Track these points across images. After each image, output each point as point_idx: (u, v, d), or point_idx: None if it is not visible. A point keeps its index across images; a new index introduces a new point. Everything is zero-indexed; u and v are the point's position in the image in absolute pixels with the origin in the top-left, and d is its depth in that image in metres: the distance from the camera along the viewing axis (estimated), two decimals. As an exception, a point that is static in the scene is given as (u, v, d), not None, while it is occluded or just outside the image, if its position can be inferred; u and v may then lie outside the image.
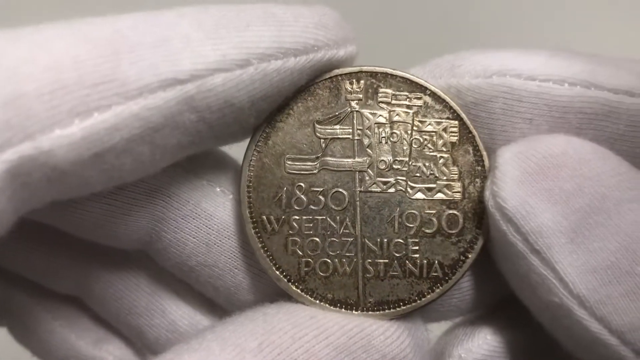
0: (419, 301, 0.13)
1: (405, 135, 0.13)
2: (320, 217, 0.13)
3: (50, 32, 0.11)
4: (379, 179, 0.13)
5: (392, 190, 0.13)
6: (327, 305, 0.13)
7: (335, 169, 0.13)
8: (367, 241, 0.13)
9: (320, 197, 0.13)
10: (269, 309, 0.13)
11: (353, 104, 0.13)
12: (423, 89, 0.13)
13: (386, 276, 0.13)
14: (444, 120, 0.13)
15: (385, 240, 0.13)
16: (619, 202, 0.12)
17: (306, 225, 0.13)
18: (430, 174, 0.13)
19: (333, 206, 0.13)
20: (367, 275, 0.13)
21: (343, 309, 0.13)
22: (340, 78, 0.13)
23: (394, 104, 0.13)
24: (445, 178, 0.13)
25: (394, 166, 0.13)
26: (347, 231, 0.13)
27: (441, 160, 0.13)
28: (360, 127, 0.13)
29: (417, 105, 0.13)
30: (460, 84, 0.13)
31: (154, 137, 0.11)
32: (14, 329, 0.17)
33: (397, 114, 0.13)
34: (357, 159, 0.13)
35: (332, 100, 0.13)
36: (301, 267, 0.13)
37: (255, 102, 0.12)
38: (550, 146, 0.12)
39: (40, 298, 0.16)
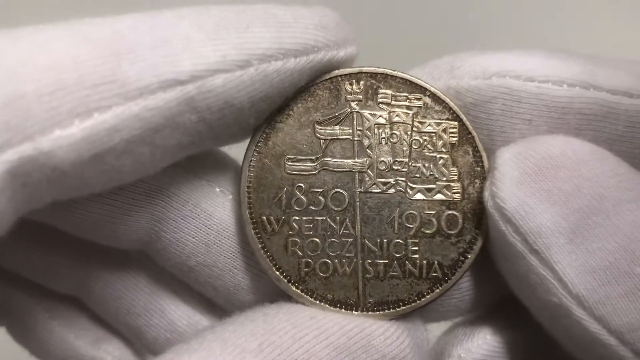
0: (418, 301, 0.13)
1: (405, 136, 0.13)
2: (320, 218, 0.13)
3: (50, 33, 0.11)
4: (378, 179, 0.13)
5: (392, 190, 0.13)
6: (327, 305, 0.13)
7: (335, 169, 0.13)
8: (367, 242, 0.13)
9: (320, 197, 0.13)
10: (269, 310, 0.13)
11: (353, 104, 0.13)
12: (423, 89, 0.13)
13: (386, 276, 0.13)
14: (443, 121, 0.13)
15: (385, 240, 0.13)
16: (618, 203, 0.12)
17: (306, 225, 0.13)
18: (430, 174, 0.13)
19: (333, 207, 0.13)
20: (367, 275, 0.13)
21: (343, 310, 0.13)
22: (340, 79, 0.13)
23: (393, 105, 0.13)
24: (444, 179, 0.13)
25: (394, 167, 0.13)
26: (347, 232, 0.13)
27: (441, 161, 0.13)
28: (360, 128, 0.13)
29: (417, 106, 0.13)
30: (459, 85, 0.13)
31: (154, 138, 0.11)
32: (13, 329, 0.17)
33: (397, 115, 0.13)
34: (357, 160, 0.13)
35: (332, 101, 0.13)
36: (301, 267, 0.13)
37: (255, 102, 0.12)
38: (549, 147, 0.13)
39: (39, 298, 0.16)
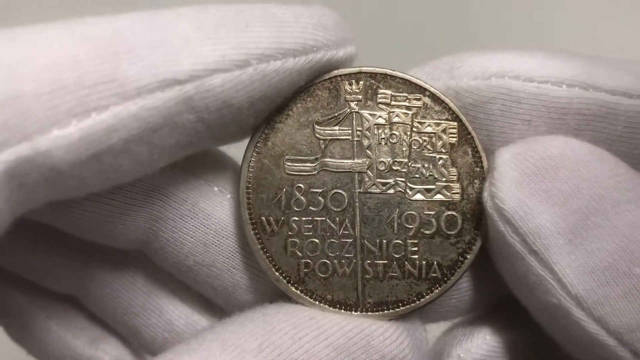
0: (417, 302, 0.13)
1: (405, 137, 0.13)
2: (320, 218, 0.13)
3: (49, 32, 0.11)
4: (378, 180, 0.13)
5: (391, 191, 0.13)
6: (326, 306, 0.13)
7: (334, 170, 0.13)
8: (366, 242, 0.13)
9: (320, 198, 0.13)
10: (269, 310, 0.13)
11: (352, 105, 0.13)
12: (422, 90, 0.13)
13: (385, 277, 0.13)
14: (443, 122, 0.13)
15: (385, 241, 0.13)
16: (617, 203, 0.12)
17: (306, 226, 0.13)
18: (430, 175, 0.13)
19: (332, 207, 0.13)
20: (367, 276, 0.13)
21: (342, 310, 0.13)
22: (339, 79, 0.13)
23: (393, 105, 0.13)
24: (444, 179, 0.13)
25: (394, 167, 0.13)
26: (346, 232, 0.13)
27: (440, 162, 0.13)
28: (360, 128, 0.13)
29: (417, 107, 0.13)
30: (458, 86, 0.13)
31: (152, 138, 0.11)
32: (10, 328, 0.17)
33: (396, 115, 0.13)
34: (356, 160, 0.13)
35: (331, 101, 0.13)
36: (301, 268, 0.13)
37: (254, 102, 0.12)
38: (548, 147, 0.13)
39: (36, 297, 0.16)
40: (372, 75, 0.13)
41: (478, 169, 0.13)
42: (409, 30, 0.31)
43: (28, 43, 0.11)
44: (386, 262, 0.13)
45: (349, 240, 0.13)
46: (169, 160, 0.12)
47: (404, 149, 0.13)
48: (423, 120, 0.13)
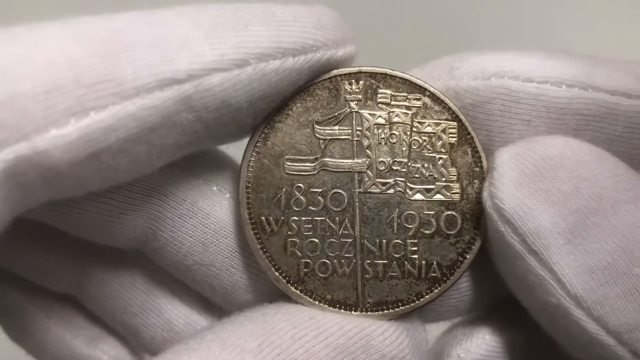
0: (417, 301, 0.13)
1: (405, 137, 0.13)
2: (320, 218, 0.13)
3: (46, 32, 0.11)
4: (378, 180, 0.13)
5: (391, 191, 0.13)
6: (326, 306, 0.13)
7: (334, 169, 0.13)
8: (366, 242, 0.13)
9: (320, 198, 0.13)
10: (268, 310, 0.13)
11: (352, 104, 0.13)
12: (422, 90, 0.13)
13: (385, 277, 0.13)
14: (442, 122, 0.13)
15: (384, 241, 0.13)
16: (616, 203, 0.12)
17: (305, 226, 0.13)
18: (429, 175, 0.13)
19: (332, 207, 0.13)
20: (366, 276, 0.13)
21: (342, 310, 0.13)
22: (339, 78, 0.13)
23: (393, 105, 0.13)
24: (444, 179, 0.13)
25: (393, 167, 0.13)
26: (346, 232, 0.13)
27: (440, 162, 0.13)
28: (360, 128, 0.13)
29: (416, 106, 0.13)
30: (458, 86, 0.13)
31: (151, 137, 0.11)
32: (9, 328, 0.17)
33: (396, 115, 0.13)
34: (356, 160, 0.13)
35: (331, 101, 0.13)
36: (300, 268, 0.13)
37: (253, 102, 0.12)
38: (548, 147, 0.13)
39: (35, 297, 0.16)
40: (372, 75, 0.13)
41: (478, 169, 0.13)
42: (409, 30, 0.31)
43: (25, 42, 0.11)
44: (386, 261, 0.13)
45: (348, 240, 0.13)
46: (168, 159, 0.12)
47: (403, 148, 0.13)
48: (423, 120, 0.13)
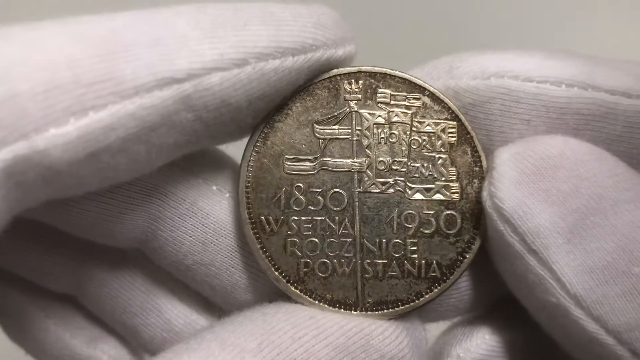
0: (417, 301, 0.13)
1: (404, 136, 0.13)
2: (319, 218, 0.13)
3: (45, 31, 0.11)
4: (377, 179, 0.13)
5: (390, 190, 0.13)
6: (326, 305, 0.13)
7: (334, 169, 0.13)
8: (365, 242, 0.13)
9: (319, 197, 0.13)
10: (268, 309, 0.13)
11: (352, 104, 0.13)
12: (422, 89, 0.13)
13: (385, 276, 0.13)
14: (442, 121, 0.13)
15: (384, 240, 0.13)
16: (616, 203, 0.12)
17: (305, 225, 0.13)
18: (429, 174, 0.13)
19: (332, 207, 0.13)
20: (366, 275, 0.13)
21: (342, 309, 0.13)
22: (339, 78, 0.13)
23: (392, 105, 0.13)
24: (443, 179, 0.13)
25: (393, 167, 0.13)
26: (346, 232, 0.13)
27: (439, 161, 0.13)
28: (359, 128, 0.13)
29: (416, 106, 0.13)
30: (458, 86, 0.13)
31: (150, 137, 0.11)
32: (9, 328, 0.17)
33: (395, 115, 0.13)
34: (356, 160, 0.13)
35: (331, 101, 0.13)
36: (300, 267, 0.13)
37: (252, 101, 0.12)
38: (547, 147, 0.13)
39: (34, 296, 0.16)
40: (372, 74, 0.13)
41: (477, 168, 0.13)
42: (409, 30, 0.31)
43: (24, 42, 0.11)
44: (385, 261, 0.13)
45: (348, 240, 0.13)
46: (167, 159, 0.12)
47: (403, 148, 0.13)
48: (422, 120, 0.13)
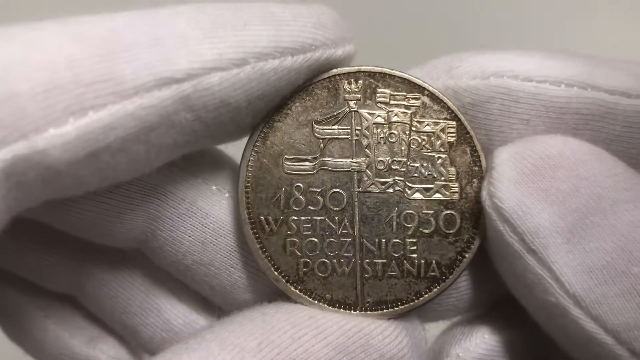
0: (416, 301, 0.13)
1: (404, 136, 0.13)
2: (319, 218, 0.13)
3: (45, 31, 0.11)
4: (377, 179, 0.13)
5: (390, 190, 0.13)
6: (325, 305, 0.13)
7: (333, 169, 0.13)
8: (365, 241, 0.13)
9: (319, 197, 0.13)
10: (268, 309, 0.13)
11: (351, 104, 0.13)
12: (421, 89, 0.13)
13: (384, 276, 0.13)
14: (441, 121, 0.13)
15: (384, 240, 0.13)
16: (615, 203, 0.12)
17: (305, 225, 0.13)
18: (428, 174, 0.13)
19: (331, 207, 0.13)
20: (366, 275, 0.13)
21: (342, 309, 0.13)
22: (338, 78, 0.13)
23: (392, 104, 0.13)
24: (443, 178, 0.13)
25: (392, 167, 0.13)
26: (345, 231, 0.13)
27: (439, 161, 0.13)
28: (359, 128, 0.13)
29: (415, 106, 0.13)
30: (457, 85, 0.13)
31: (150, 136, 0.11)
32: (8, 327, 0.17)
33: (395, 114, 0.13)
34: (355, 160, 0.13)
35: (330, 100, 0.13)
36: (300, 267, 0.13)
37: (252, 101, 0.12)
38: (547, 147, 0.13)
39: (33, 296, 0.16)
40: (371, 74, 0.13)
41: (477, 168, 0.13)
42: (409, 30, 0.31)
43: (24, 42, 0.11)
44: (385, 261, 0.13)
45: (348, 240, 0.13)
46: (167, 159, 0.12)
47: (402, 148, 0.13)
48: (422, 120, 0.13)
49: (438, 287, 0.13)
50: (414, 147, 0.13)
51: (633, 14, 0.31)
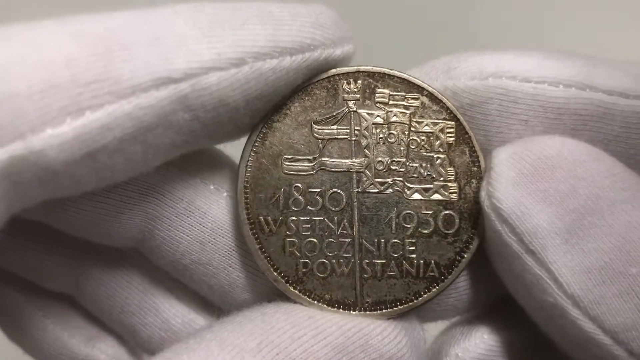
0: (415, 301, 0.13)
1: (403, 136, 0.13)
2: (318, 218, 0.13)
3: (42, 31, 0.11)
4: (376, 179, 0.13)
5: (389, 191, 0.13)
6: (325, 305, 0.13)
7: (332, 169, 0.13)
8: (364, 242, 0.13)
9: (318, 197, 0.13)
10: (267, 309, 0.13)
11: (350, 104, 0.13)
12: (420, 89, 0.13)
13: (383, 276, 0.13)
14: (440, 121, 0.13)
15: (383, 240, 0.13)
16: (613, 203, 0.12)
17: (304, 226, 0.13)
18: (427, 174, 0.13)
19: (331, 207, 0.13)
20: (365, 275, 0.13)
21: (341, 309, 0.13)
22: (337, 78, 0.13)
23: (391, 105, 0.13)
24: (441, 179, 0.13)
25: (391, 167, 0.13)
26: (344, 232, 0.13)
27: (438, 161, 0.13)
28: (358, 128, 0.13)
29: (414, 106, 0.13)
30: (456, 86, 0.13)
31: (147, 136, 0.11)
32: (6, 327, 0.17)
33: (394, 115, 0.13)
34: (354, 160, 0.13)
35: (329, 100, 0.13)
36: (299, 268, 0.13)
37: (250, 101, 0.12)
38: (545, 147, 0.13)
39: (32, 296, 0.16)
40: (370, 74, 0.13)
41: (475, 168, 0.13)
42: (408, 30, 0.31)
43: (21, 42, 0.10)
44: (384, 261, 0.13)
45: (347, 240, 0.13)
46: (164, 159, 0.12)
47: (401, 148, 0.13)
48: (421, 120, 0.13)
49: (437, 287, 0.13)
50: (413, 147, 0.13)
51: (633, 14, 0.31)
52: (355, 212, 0.13)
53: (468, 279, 0.14)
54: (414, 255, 0.13)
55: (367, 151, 0.13)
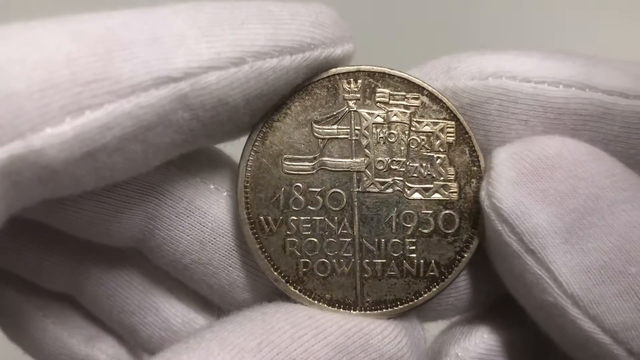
0: (416, 300, 0.13)
1: (403, 136, 0.13)
2: (318, 218, 0.13)
3: (42, 30, 0.11)
4: (376, 179, 0.13)
5: (389, 190, 0.13)
6: (325, 305, 0.13)
7: (333, 169, 0.13)
8: (364, 241, 0.13)
9: (318, 197, 0.13)
10: (268, 309, 0.13)
11: (351, 103, 0.13)
12: (420, 89, 0.13)
13: (384, 276, 0.13)
14: (440, 121, 0.13)
15: (383, 240, 0.13)
16: (613, 203, 0.12)
17: (304, 225, 0.13)
18: (427, 174, 0.13)
19: (331, 207, 0.13)
20: (365, 275, 0.13)
21: (341, 309, 0.13)
22: (337, 77, 0.13)
23: (391, 104, 0.13)
24: (442, 178, 0.13)
25: (392, 166, 0.13)
26: (345, 231, 0.13)
27: (438, 161, 0.13)
28: (358, 127, 0.13)
29: (415, 106, 0.13)
30: (456, 86, 0.13)
31: (147, 136, 0.11)
32: (6, 327, 0.17)
33: (394, 114, 0.13)
34: (355, 159, 0.13)
35: (329, 100, 0.13)
36: (299, 267, 0.13)
37: (250, 100, 0.12)
38: (545, 147, 0.13)
39: (32, 296, 0.16)
40: (371, 74, 0.13)
41: (475, 168, 0.13)
42: (408, 30, 0.31)
43: (21, 41, 0.10)
44: (384, 261, 0.13)
45: (347, 240, 0.13)
46: (164, 158, 0.12)
47: (402, 148, 0.13)
48: (421, 120, 0.13)
49: (437, 287, 0.13)
50: (413, 147, 0.13)
51: (633, 14, 0.31)
52: (356, 212, 0.13)
53: (468, 279, 0.14)
54: (414, 255, 0.13)
55: (367, 151, 0.13)
